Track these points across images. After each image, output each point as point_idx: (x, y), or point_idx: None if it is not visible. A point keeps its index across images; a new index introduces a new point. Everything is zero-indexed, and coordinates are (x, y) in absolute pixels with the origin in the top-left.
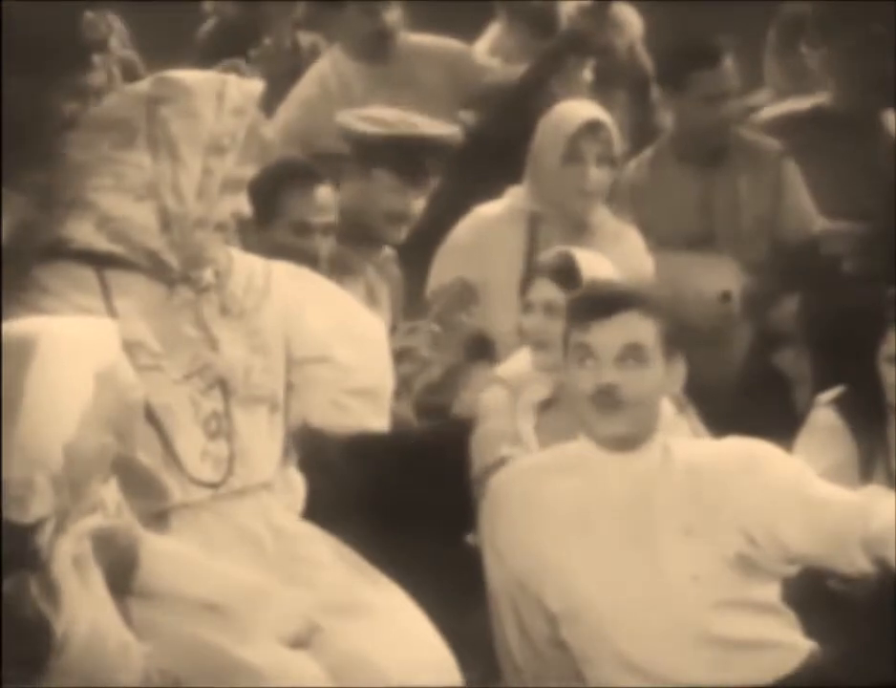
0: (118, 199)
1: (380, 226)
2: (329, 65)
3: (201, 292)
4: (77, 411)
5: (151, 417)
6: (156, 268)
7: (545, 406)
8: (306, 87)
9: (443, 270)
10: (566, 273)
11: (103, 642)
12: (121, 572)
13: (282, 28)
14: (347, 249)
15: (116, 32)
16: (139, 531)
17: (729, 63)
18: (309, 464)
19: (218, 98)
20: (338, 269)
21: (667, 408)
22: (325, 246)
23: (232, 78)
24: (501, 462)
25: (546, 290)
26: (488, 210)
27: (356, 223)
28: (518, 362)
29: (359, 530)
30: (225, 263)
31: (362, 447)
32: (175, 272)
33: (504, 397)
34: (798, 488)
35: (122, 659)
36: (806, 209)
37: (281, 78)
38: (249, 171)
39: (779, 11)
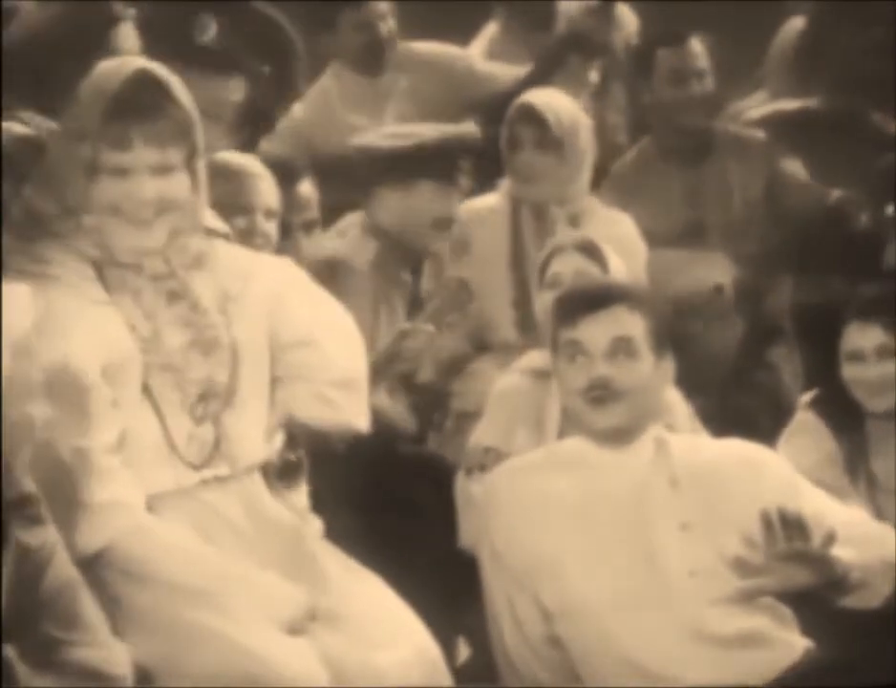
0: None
1: (426, 236)
2: (331, 80)
3: (153, 280)
4: None
5: (148, 394)
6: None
7: None
8: (308, 103)
9: (438, 269)
10: (591, 248)
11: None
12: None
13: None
14: (394, 262)
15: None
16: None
17: (697, 46)
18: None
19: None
20: (384, 283)
21: (682, 408)
22: (306, 242)
23: (151, 66)
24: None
25: (574, 261)
26: (475, 205)
27: (402, 239)
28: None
29: (357, 530)
30: (180, 254)
31: (361, 447)
32: (95, 253)
33: (522, 383)
34: (795, 496)
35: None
36: (807, 188)
37: None
38: (132, 158)
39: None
